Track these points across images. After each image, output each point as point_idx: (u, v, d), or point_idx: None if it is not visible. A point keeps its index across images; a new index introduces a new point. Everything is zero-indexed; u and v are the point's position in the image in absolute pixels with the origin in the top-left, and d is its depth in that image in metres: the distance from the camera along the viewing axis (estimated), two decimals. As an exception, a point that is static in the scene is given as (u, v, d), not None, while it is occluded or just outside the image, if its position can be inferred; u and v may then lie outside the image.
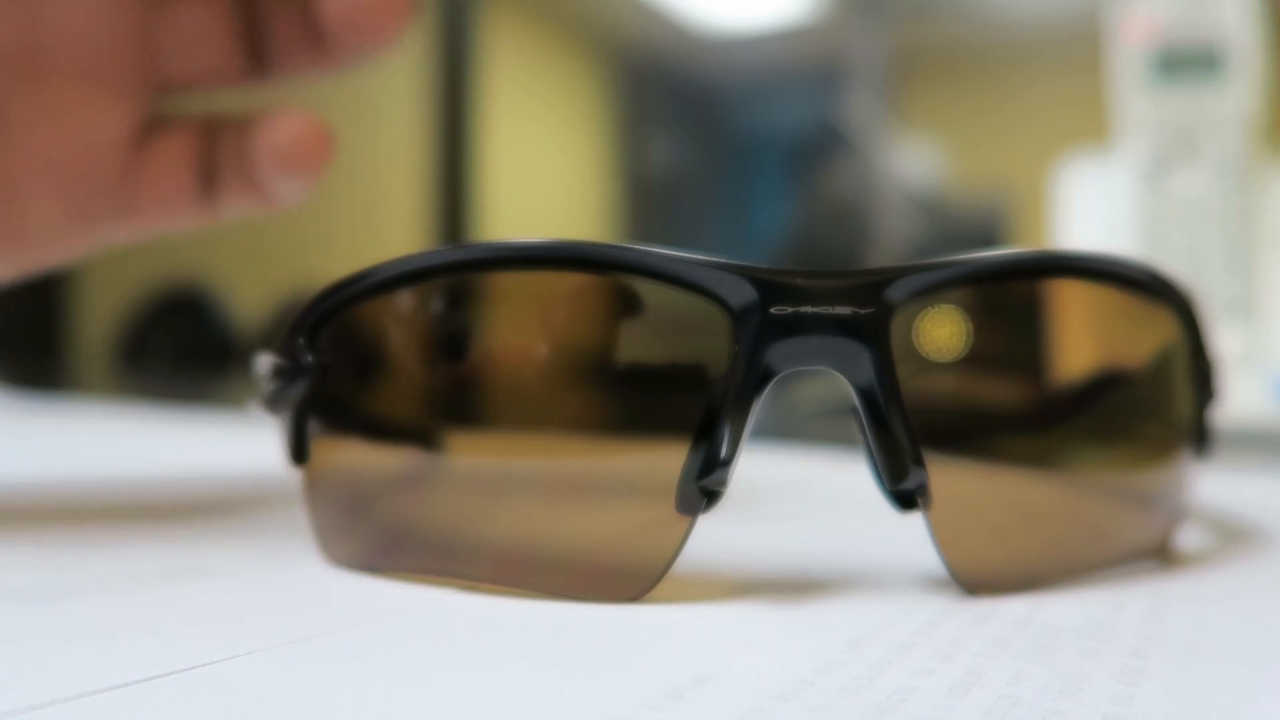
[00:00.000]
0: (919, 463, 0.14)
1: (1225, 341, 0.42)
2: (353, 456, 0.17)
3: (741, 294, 0.14)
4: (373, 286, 0.16)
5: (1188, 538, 0.19)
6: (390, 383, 0.17)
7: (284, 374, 0.16)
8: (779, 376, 0.14)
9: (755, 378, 0.14)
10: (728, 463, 0.14)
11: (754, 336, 0.14)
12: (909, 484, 0.14)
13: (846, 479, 0.27)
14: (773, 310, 0.14)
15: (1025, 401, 0.17)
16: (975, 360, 0.15)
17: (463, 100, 1.58)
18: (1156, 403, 0.17)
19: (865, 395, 0.14)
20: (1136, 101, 0.47)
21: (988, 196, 1.98)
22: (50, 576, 0.15)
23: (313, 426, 0.16)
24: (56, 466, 0.27)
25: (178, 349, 1.23)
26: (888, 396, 0.14)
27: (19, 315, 1.37)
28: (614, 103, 2.55)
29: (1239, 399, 0.41)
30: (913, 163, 1.98)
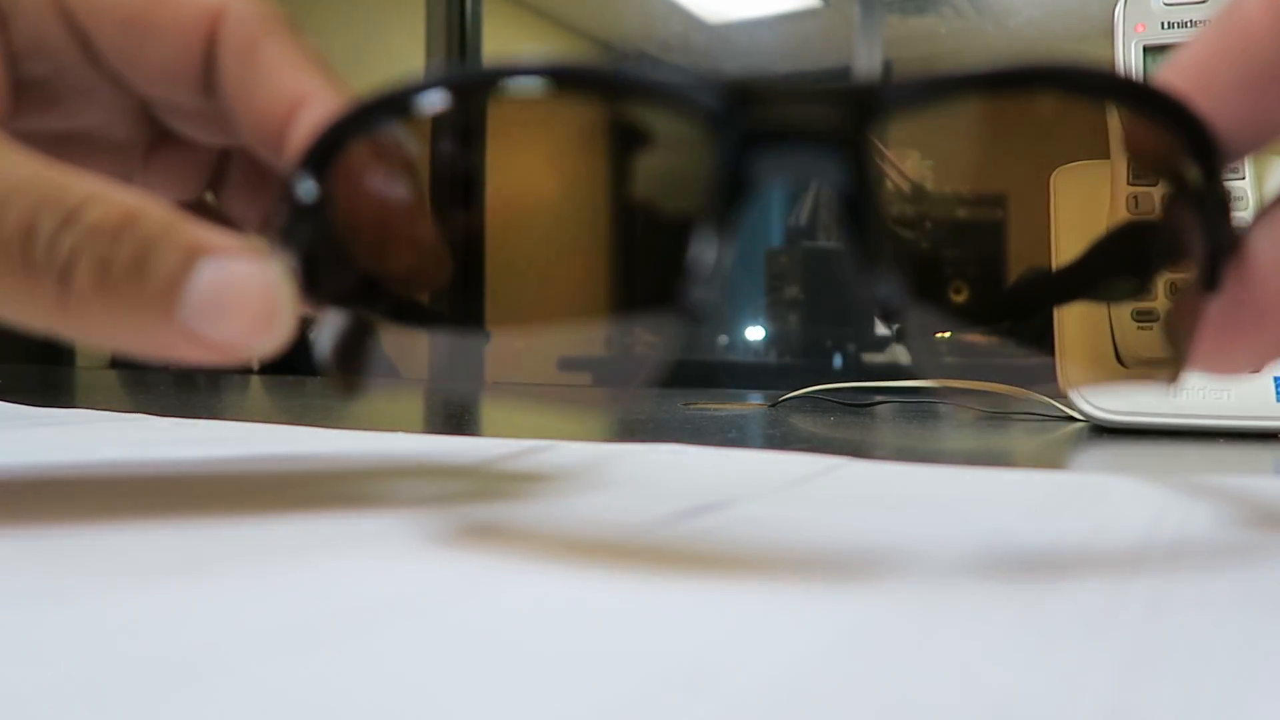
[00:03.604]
0: (898, 272, 0.14)
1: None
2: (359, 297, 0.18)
3: (722, 102, 0.14)
4: (369, 116, 0.15)
5: (1188, 537, 0.19)
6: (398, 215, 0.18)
7: (292, 211, 0.16)
8: (762, 185, 0.14)
9: (738, 186, 0.14)
10: (713, 273, 0.14)
11: (736, 144, 0.14)
12: (888, 294, 0.14)
13: (845, 478, 0.27)
14: (754, 117, 0.14)
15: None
16: (962, 180, 0.15)
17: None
18: (1165, 236, 0.16)
19: (845, 202, 0.14)
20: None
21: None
22: (51, 576, 0.15)
23: (321, 260, 0.16)
24: (56, 466, 0.27)
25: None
26: (868, 204, 0.14)
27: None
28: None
29: (1241, 398, 0.41)
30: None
